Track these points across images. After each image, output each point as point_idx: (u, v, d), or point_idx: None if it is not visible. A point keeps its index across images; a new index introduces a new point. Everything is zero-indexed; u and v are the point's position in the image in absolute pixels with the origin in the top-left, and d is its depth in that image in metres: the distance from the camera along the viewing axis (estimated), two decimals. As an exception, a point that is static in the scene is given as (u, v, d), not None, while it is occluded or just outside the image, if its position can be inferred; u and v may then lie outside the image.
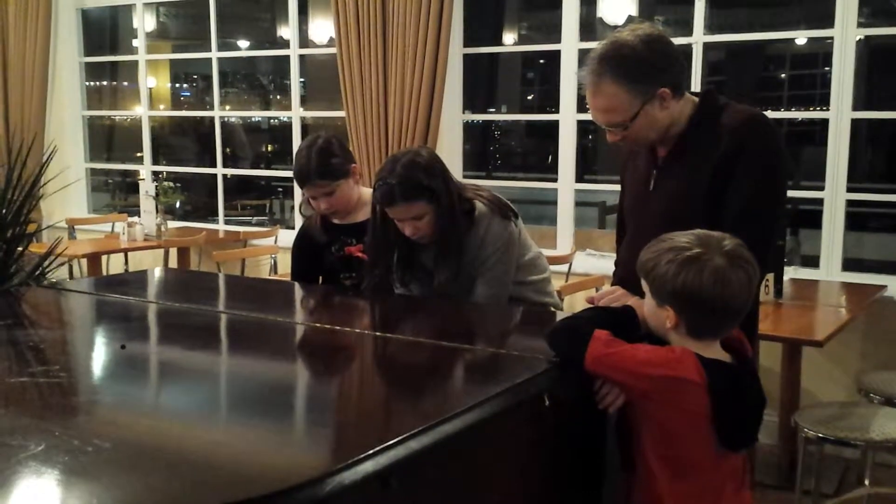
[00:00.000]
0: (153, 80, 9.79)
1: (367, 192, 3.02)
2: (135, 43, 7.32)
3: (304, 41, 6.65)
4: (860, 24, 4.41)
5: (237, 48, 9.82)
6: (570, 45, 5.14)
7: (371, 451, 1.40)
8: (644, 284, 1.96)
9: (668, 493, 1.89)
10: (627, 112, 2.24)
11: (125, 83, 9.05)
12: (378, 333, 2.52)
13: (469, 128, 5.93)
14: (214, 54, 6.76)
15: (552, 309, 2.88)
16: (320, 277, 3.15)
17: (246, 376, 2.07)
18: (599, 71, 2.23)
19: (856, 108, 4.44)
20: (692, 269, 1.84)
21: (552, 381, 1.86)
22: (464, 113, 5.66)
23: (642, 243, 2.02)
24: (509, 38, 10.14)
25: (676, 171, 2.33)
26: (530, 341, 2.30)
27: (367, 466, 1.37)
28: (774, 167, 2.26)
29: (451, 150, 5.41)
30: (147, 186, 6.30)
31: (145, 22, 7.20)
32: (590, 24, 5.66)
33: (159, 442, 1.54)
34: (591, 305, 2.21)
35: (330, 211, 3.03)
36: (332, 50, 5.69)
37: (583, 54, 5.01)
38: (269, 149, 12.10)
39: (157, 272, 4.28)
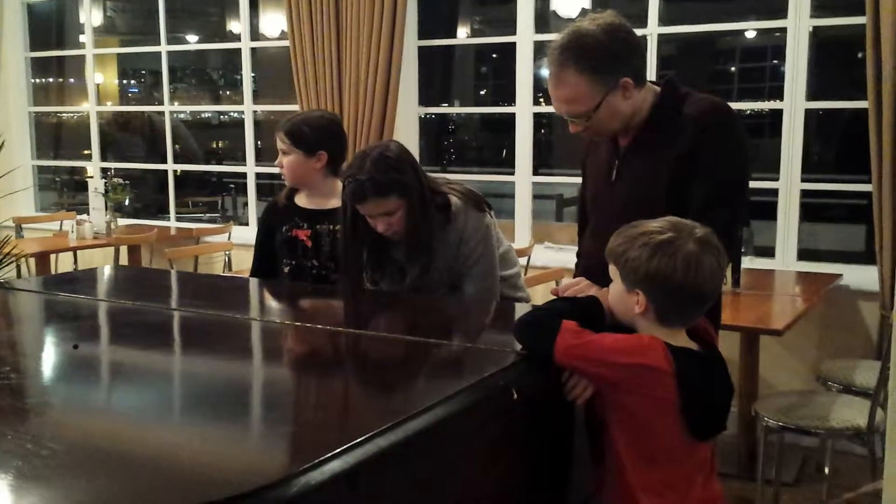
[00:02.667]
0: (100, 77, 9.61)
1: (332, 183, 2.96)
2: (82, 38, 7.18)
3: (255, 35, 6.55)
4: (812, 15, 4.44)
5: (186, 43, 9.68)
6: (525, 37, 5.12)
7: (338, 450, 1.36)
8: (613, 270, 1.95)
9: (638, 483, 1.87)
10: (590, 102, 2.22)
11: (72, 80, 8.88)
12: (342, 329, 2.47)
13: (424, 122, 5.88)
14: (164, 48, 6.63)
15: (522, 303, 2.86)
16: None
17: (205, 375, 2.01)
18: (561, 61, 2.21)
19: (808, 98, 4.47)
20: (665, 252, 1.84)
21: (520, 375, 1.84)
22: (420, 107, 5.61)
23: (606, 233, 2.01)
24: (462, 32, 10.14)
25: (639, 160, 2.32)
26: (497, 335, 2.27)
27: (334, 466, 1.33)
28: (737, 155, 2.27)
29: (407, 145, 5.28)
30: (96, 183, 6.18)
31: (92, 16, 7.06)
32: (543, 18, 5.65)
33: (116, 444, 1.49)
34: (556, 297, 2.19)
35: (281, 169, 3.02)
36: (285, 43, 5.61)
37: (538, 47, 5.05)
38: (220, 145, 11.95)
39: (108, 270, 4.19)
